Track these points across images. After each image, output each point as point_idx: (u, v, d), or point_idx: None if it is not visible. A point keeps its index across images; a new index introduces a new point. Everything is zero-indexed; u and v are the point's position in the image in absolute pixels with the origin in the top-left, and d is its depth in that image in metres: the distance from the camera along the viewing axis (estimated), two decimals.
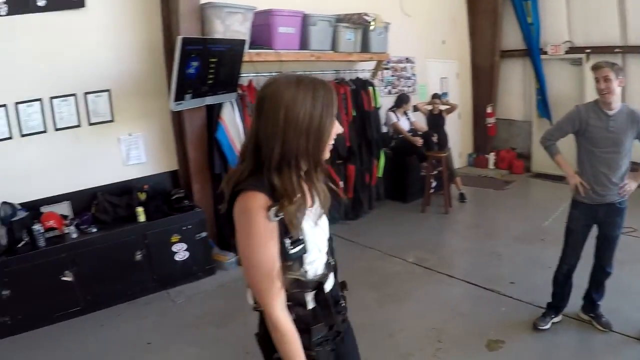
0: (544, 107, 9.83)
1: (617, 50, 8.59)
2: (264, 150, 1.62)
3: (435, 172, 7.98)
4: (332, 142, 1.71)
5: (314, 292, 1.79)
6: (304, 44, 6.23)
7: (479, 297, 4.77)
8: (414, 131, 8.10)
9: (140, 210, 5.03)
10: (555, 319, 4.19)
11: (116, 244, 4.84)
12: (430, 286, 5.08)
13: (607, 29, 8.70)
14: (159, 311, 4.77)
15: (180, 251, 5.21)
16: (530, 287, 4.36)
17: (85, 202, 5.11)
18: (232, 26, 5.28)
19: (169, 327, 4.45)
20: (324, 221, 1.87)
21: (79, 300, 4.66)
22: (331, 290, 1.88)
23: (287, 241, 1.65)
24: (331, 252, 1.96)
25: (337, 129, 1.72)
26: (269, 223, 1.59)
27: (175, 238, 5.16)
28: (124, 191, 5.29)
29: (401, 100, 7.99)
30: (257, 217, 1.58)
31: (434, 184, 8.12)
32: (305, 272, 1.76)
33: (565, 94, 9.19)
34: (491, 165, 10.71)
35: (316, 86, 1.65)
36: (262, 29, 5.79)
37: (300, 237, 1.68)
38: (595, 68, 3.63)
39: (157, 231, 5.07)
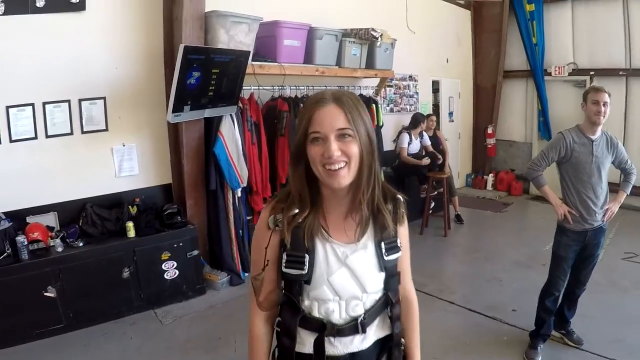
0: (545, 128, 9.81)
1: (621, 73, 8.67)
2: None
3: (435, 193, 7.85)
4: (326, 165, 1.50)
5: (314, 334, 1.64)
6: (308, 58, 6.07)
7: (481, 325, 4.64)
8: (424, 151, 8.01)
9: (130, 224, 4.84)
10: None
11: (103, 260, 4.63)
12: (430, 313, 4.87)
13: (612, 51, 8.75)
14: (145, 332, 4.55)
15: (170, 269, 5.02)
16: (533, 315, 4.23)
17: (73, 213, 4.90)
18: (236, 36, 5.11)
19: (155, 351, 4.24)
20: (360, 267, 1.62)
21: (61, 317, 4.44)
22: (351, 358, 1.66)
23: (284, 256, 1.60)
24: (368, 315, 1.66)
25: (320, 148, 1.50)
26: (267, 230, 1.61)
27: (165, 255, 4.97)
28: (114, 204, 5.09)
29: (417, 120, 7.83)
30: (260, 221, 1.65)
31: (432, 204, 7.98)
32: (303, 302, 1.63)
33: (567, 115, 9.02)
34: (489, 187, 10.65)
35: (305, 103, 1.68)
36: (267, 41, 5.64)
37: (302, 260, 1.57)
38: (597, 91, 3.71)
39: (147, 247, 4.88)
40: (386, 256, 1.63)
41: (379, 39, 6.63)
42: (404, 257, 1.75)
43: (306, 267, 1.57)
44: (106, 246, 4.71)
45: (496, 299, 5.15)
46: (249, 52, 5.20)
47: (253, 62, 5.39)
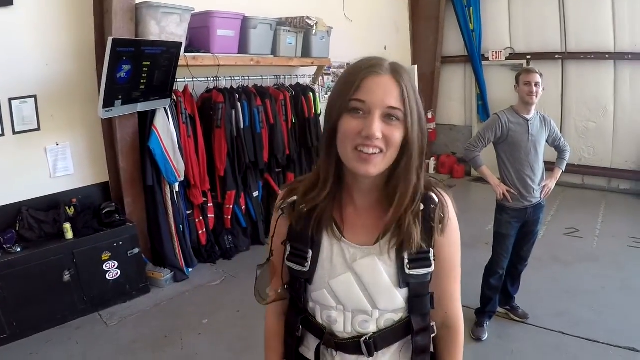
0: (484, 112, 9.95)
1: (557, 56, 8.86)
2: None
3: None
4: (359, 146, 1.24)
5: (317, 340, 1.46)
6: (243, 48, 5.99)
7: None
8: None
9: (67, 226, 4.67)
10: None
11: (43, 264, 4.46)
12: None
13: (547, 35, 8.94)
14: (90, 336, 4.43)
15: (112, 269, 4.89)
16: (478, 293, 4.32)
17: (9, 218, 4.69)
18: (168, 28, 4.99)
19: (102, 354, 4.13)
20: (370, 276, 1.36)
21: (4, 327, 4.28)
22: None
23: (288, 247, 1.42)
24: (380, 337, 1.40)
25: (359, 124, 1.24)
26: (277, 215, 1.47)
27: (105, 255, 4.83)
28: (50, 206, 4.91)
29: None
30: (275, 207, 1.49)
31: None
32: (307, 303, 1.46)
33: (506, 98, 9.11)
34: (432, 171, 10.76)
35: (347, 69, 1.35)
36: (200, 32, 5.54)
37: (304, 255, 1.37)
38: (528, 72, 3.85)
39: (86, 248, 4.73)
40: (408, 269, 1.33)
41: (314, 27, 6.62)
42: (446, 277, 1.44)
43: (308, 264, 1.37)
44: (44, 250, 4.54)
45: None
46: (181, 43, 5.08)
47: (186, 54, 5.30)
